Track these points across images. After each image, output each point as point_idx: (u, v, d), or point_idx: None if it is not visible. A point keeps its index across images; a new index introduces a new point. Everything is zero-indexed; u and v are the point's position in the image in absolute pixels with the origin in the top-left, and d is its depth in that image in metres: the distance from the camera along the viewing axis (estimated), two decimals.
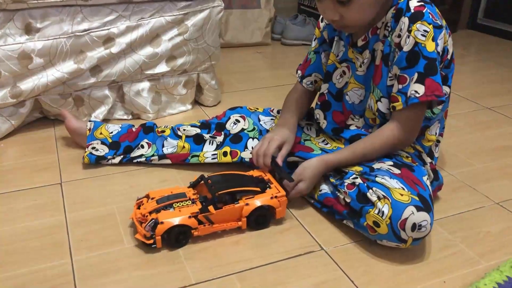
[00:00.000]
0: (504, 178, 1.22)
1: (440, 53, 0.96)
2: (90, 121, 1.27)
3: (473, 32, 2.68)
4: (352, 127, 1.12)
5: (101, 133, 1.24)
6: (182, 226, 0.91)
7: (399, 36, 0.95)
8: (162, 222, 0.90)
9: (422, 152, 1.06)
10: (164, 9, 1.40)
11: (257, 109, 1.29)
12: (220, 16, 1.50)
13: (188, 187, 1.01)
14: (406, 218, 0.86)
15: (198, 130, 1.24)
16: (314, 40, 1.18)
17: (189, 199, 0.96)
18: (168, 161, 1.22)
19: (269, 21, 2.33)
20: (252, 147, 1.16)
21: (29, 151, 1.30)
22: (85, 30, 1.32)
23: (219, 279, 0.86)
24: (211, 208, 0.93)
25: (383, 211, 0.88)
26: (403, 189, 0.91)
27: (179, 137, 1.23)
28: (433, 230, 0.90)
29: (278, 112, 1.28)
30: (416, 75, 0.94)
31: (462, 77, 1.97)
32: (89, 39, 1.33)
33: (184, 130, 1.24)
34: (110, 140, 1.24)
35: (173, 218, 0.91)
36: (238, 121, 1.24)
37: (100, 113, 1.45)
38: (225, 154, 1.18)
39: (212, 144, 1.22)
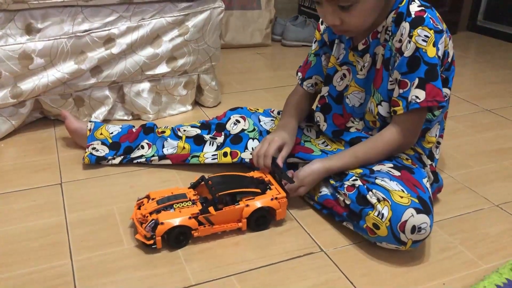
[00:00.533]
0: (504, 180, 1.22)
1: (441, 57, 0.96)
2: (90, 121, 1.27)
3: (472, 34, 2.68)
4: (352, 130, 1.12)
5: (101, 134, 1.25)
6: (182, 227, 0.91)
7: (400, 41, 0.95)
8: (162, 223, 0.90)
9: (422, 154, 1.07)
10: (164, 10, 1.40)
11: (258, 109, 1.29)
12: (221, 17, 1.50)
13: (189, 188, 1.01)
14: (406, 220, 0.87)
15: (199, 131, 1.24)
16: (314, 43, 1.18)
17: (190, 200, 0.95)
18: (168, 162, 1.22)
19: (270, 22, 2.33)
20: (253, 148, 1.16)
21: (29, 151, 1.30)
22: (85, 31, 1.33)
23: (218, 280, 0.86)
24: (211, 209, 0.93)
25: (382, 213, 0.89)
26: (403, 191, 0.91)
27: (179, 137, 1.23)
28: (433, 232, 0.90)
29: (278, 113, 1.28)
30: (417, 80, 0.94)
31: (462, 79, 1.97)
32: (89, 40, 1.34)
33: (184, 130, 1.24)
34: (110, 141, 1.24)
35: (174, 219, 0.91)
36: (238, 121, 1.24)
37: (100, 113, 1.45)
38: (225, 154, 1.18)
39: (212, 145, 1.22)
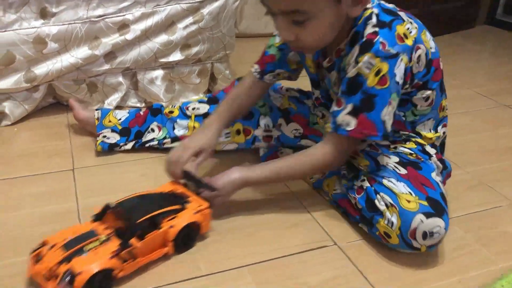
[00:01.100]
0: None
1: (398, 82, 0.86)
2: (97, 109, 1.26)
3: (491, 28, 2.63)
4: None
5: (109, 121, 1.24)
6: (104, 271, 0.76)
7: (349, 63, 0.87)
8: (80, 273, 0.73)
9: (425, 145, 1.00)
10: None
11: None
12: (236, 5, 1.48)
13: (93, 222, 0.85)
14: (416, 228, 0.84)
15: (207, 107, 1.20)
16: (278, 36, 1.07)
17: (101, 236, 0.81)
18: None
19: None
20: (264, 125, 1.15)
21: (42, 136, 1.30)
22: (100, 16, 1.31)
23: (230, 271, 0.85)
24: (134, 241, 0.80)
25: (392, 222, 0.86)
26: (411, 194, 0.88)
27: (189, 117, 1.20)
28: (448, 229, 0.88)
29: (287, 90, 1.22)
30: (350, 107, 0.86)
31: (479, 74, 1.93)
32: (104, 25, 1.32)
33: (193, 109, 1.21)
34: (120, 127, 1.23)
35: (91, 264, 0.75)
36: None
37: (113, 100, 1.44)
38: (238, 132, 1.16)
39: None
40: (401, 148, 0.98)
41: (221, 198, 0.93)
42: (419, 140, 1.00)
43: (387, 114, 0.87)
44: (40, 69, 1.30)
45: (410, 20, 0.90)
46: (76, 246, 0.77)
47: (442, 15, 2.35)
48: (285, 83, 1.19)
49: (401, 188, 0.89)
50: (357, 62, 0.85)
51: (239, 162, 1.16)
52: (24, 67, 1.29)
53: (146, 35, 1.38)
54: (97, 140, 1.21)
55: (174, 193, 0.93)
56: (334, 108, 0.90)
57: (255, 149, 1.20)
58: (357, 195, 0.94)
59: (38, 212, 0.99)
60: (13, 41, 1.24)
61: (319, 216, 1.01)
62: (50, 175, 1.13)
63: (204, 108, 1.21)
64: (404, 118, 0.98)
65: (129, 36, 1.35)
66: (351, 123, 0.87)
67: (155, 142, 1.22)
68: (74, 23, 1.29)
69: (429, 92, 0.96)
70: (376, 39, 0.83)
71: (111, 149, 1.21)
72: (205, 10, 1.42)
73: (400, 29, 0.85)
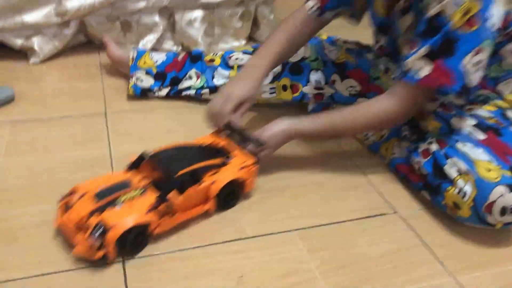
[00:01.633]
0: None
1: (493, 27, 0.73)
2: (133, 48, 1.16)
3: None
4: None
5: (145, 63, 1.13)
6: (140, 227, 0.68)
7: (431, 2, 0.74)
8: (113, 226, 0.66)
9: (506, 109, 0.88)
10: None
11: (321, 35, 1.12)
12: None
13: (127, 171, 0.78)
14: (494, 201, 0.72)
15: None
16: None
17: (137, 188, 0.73)
18: None
19: None
20: (315, 81, 1.03)
21: (73, 76, 1.21)
22: None
23: (278, 234, 0.76)
24: (173, 194, 0.72)
25: (465, 191, 0.75)
26: (491, 162, 0.76)
27: (230, 67, 1.10)
28: None
29: (344, 42, 1.10)
30: (426, 49, 0.74)
31: None
32: None
33: (236, 59, 1.10)
34: (155, 70, 1.13)
35: (126, 218, 0.67)
36: None
37: (148, 41, 1.33)
38: (284, 88, 1.05)
39: (267, 75, 1.08)
40: (479, 111, 0.85)
41: (267, 152, 0.84)
42: (500, 102, 0.87)
43: (471, 64, 0.74)
44: (72, 3, 1.20)
45: None
46: (109, 196, 0.70)
47: None
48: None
49: (479, 154, 0.77)
50: None
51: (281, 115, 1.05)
52: None
53: None
54: (130, 83, 1.12)
55: (216, 146, 0.84)
56: (405, 52, 0.78)
57: (303, 103, 1.08)
58: (422, 159, 0.83)
59: (68, 157, 0.91)
60: None
61: (376, 180, 0.90)
62: (81, 118, 1.04)
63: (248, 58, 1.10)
64: (486, 73, 0.84)
65: None
66: (424, 69, 0.74)
67: (192, 91, 1.12)
68: None
69: None
70: None
71: (143, 94, 1.12)
72: None
73: None
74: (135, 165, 0.78)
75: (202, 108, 1.06)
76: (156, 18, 1.31)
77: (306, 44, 1.03)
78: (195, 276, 0.68)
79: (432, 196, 0.82)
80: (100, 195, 0.70)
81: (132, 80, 1.12)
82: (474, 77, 0.75)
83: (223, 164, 0.79)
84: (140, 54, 1.15)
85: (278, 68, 1.05)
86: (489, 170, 0.74)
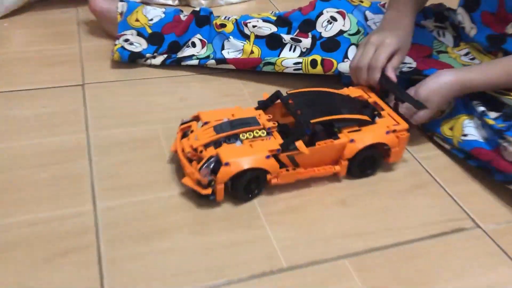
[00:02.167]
0: None
1: None
2: (122, 0, 0.91)
3: None
4: None
5: (137, 20, 0.90)
6: (257, 170, 0.60)
7: None
8: (227, 163, 0.58)
9: None
10: None
11: (362, 2, 0.90)
12: None
13: (257, 109, 0.68)
14: None
15: (274, 28, 0.88)
16: None
17: (263, 128, 0.64)
18: (231, 66, 0.87)
19: None
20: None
21: (43, 37, 0.97)
22: None
23: (324, 264, 0.55)
24: (300, 144, 0.61)
25: None
26: None
27: (246, 36, 0.88)
28: None
29: None
30: None
31: None
32: None
33: (254, 26, 0.87)
34: (149, 31, 0.89)
35: (244, 158, 0.59)
36: (334, 19, 0.86)
37: None
38: (313, 63, 0.82)
39: (294, 51, 0.86)
40: None
41: (425, 114, 0.69)
42: None
43: None
44: None
45: None
46: (230, 130, 0.63)
47: None
48: None
49: None
50: None
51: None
52: None
53: None
54: (116, 45, 0.88)
55: (362, 100, 0.72)
56: None
57: None
58: None
59: (34, 145, 0.69)
60: None
61: (442, 175, 0.69)
62: (52, 91, 0.81)
63: (269, 28, 0.88)
64: None
65: None
66: None
67: (195, 61, 0.89)
68: None
69: None
70: None
71: (132, 60, 0.89)
72: None
73: None
74: (267, 104, 0.69)
75: (205, 79, 0.83)
76: None
77: (346, 14, 0.86)
78: None
79: None
80: (221, 127, 0.63)
81: (119, 42, 0.88)
82: None
83: (368, 123, 0.66)
84: (132, 8, 0.91)
85: (307, 42, 0.85)
86: None
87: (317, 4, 0.89)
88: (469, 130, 0.70)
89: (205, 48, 0.90)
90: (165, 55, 0.89)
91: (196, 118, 0.67)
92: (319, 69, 0.82)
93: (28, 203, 0.59)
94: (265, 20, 0.90)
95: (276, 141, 0.62)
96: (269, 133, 0.63)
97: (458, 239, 0.59)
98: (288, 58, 0.84)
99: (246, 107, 0.68)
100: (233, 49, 0.88)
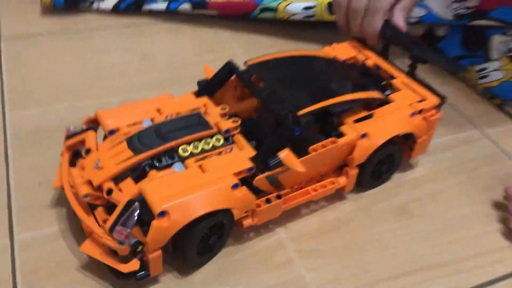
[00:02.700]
0: None
1: None
2: None
3: None
4: None
5: None
6: (219, 214, 0.34)
7: None
8: (163, 213, 0.31)
9: None
10: None
11: None
12: None
13: (198, 95, 0.41)
14: None
15: None
16: None
17: (216, 131, 0.37)
18: (213, 12, 0.63)
19: None
20: None
21: None
22: None
23: None
24: (288, 156, 0.35)
25: None
26: None
27: None
28: None
29: None
30: None
31: None
32: None
33: None
34: None
35: (193, 196, 0.32)
36: None
37: None
38: (331, 6, 0.59)
39: None
40: None
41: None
42: None
43: None
44: None
45: None
46: (160, 144, 0.35)
47: None
48: None
49: None
50: None
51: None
52: None
53: None
54: None
55: (359, 65, 0.48)
56: None
57: None
58: None
59: None
60: None
61: None
62: None
63: None
64: None
65: None
66: None
67: (162, 5, 0.64)
68: None
69: None
70: None
71: (71, 4, 0.63)
72: None
73: None
74: (214, 85, 0.41)
75: (183, 29, 0.60)
76: None
77: None
78: None
79: None
80: (142, 139, 0.36)
81: None
82: None
83: (379, 103, 0.42)
84: None
85: None
86: None
87: None
88: None
89: None
90: None
91: (93, 124, 0.39)
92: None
93: None
94: None
95: (243, 153, 0.36)
96: (227, 140, 0.37)
97: None
98: (295, 0, 0.60)
99: (180, 95, 0.41)
100: None
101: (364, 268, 0.37)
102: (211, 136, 0.37)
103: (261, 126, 0.39)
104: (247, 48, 0.60)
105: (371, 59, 0.47)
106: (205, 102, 0.39)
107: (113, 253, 0.32)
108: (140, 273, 0.32)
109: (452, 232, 0.40)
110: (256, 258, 0.37)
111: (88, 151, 0.35)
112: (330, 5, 0.58)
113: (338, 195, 0.42)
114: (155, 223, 0.31)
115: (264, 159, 0.35)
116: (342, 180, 0.40)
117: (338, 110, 0.40)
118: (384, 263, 0.37)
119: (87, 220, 0.33)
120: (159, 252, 0.32)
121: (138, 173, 0.34)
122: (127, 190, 0.33)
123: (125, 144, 0.35)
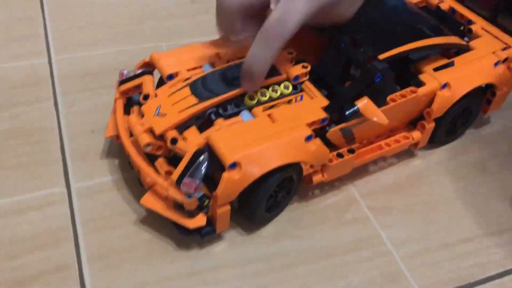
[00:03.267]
0: None
1: None
2: None
3: None
4: None
5: None
6: (291, 168, 0.31)
7: None
8: (234, 164, 0.28)
9: None
10: None
11: None
12: None
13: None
14: None
15: None
16: None
17: (285, 77, 0.34)
18: None
19: None
20: None
21: None
22: None
23: None
24: (368, 105, 0.32)
25: None
26: None
27: None
28: None
29: None
30: None
31: None
32: None
33: None
34: None
35: (265, 147, 0.29)
36: None
37: None
38: None
39: None
40: None
41: None
42: None
43: None
44: None
45: None
46: (225, 91, 0.32)
47: None
48: None
49: None
50: None
51: None
52: None
53: None
54: None
55: (439, 10, 0.42)
56: None
57: None
58: None
59: None
60: None
61: None
62: None
63: None
64: None
65: None
66: None
67: None
68: None
69: None
70: None
71: None
72: None
73: None
74: None
75: None
76: None
77: None
78: None
79: None
80: (206, 84, 0.32)
81: None
82: None
83: (457, 51, 0.38)
84: None
85: None
86: None
87: None
88: None
89: None
90: None
91: (148, 68, 0.36)
92: None
93: None
94: None
95: (315, 102, 0.33)
96: (295, 88, 0.34)
97: None
98: None
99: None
100: None
101: (444, 226, 0.34)
102: (279, 83, 0.33)
103: (332, 73, 0.35)
104: None
105: (445, 2, 0.43)
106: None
107: (178, 207, 0.30)
108: (205, 229, 0.30)
109: None
110: (328, 213, 0.34)
111: (146, 97, 0.33)
112: None
113: (407, 152, 0.39)
114: (226, 175, 0.28)
115: (339, 109, 0.32)
116: (416, 135, 0.37)
117: (418, 56, 0.36)
118: (459, 223, 0.34)
119: (150, 172, 0.31)
120: (228, 207, 0.30)
121: (202, 121, 0.32)
122: (192, 139, 0.30)
123: (188, 89, 0.32)
